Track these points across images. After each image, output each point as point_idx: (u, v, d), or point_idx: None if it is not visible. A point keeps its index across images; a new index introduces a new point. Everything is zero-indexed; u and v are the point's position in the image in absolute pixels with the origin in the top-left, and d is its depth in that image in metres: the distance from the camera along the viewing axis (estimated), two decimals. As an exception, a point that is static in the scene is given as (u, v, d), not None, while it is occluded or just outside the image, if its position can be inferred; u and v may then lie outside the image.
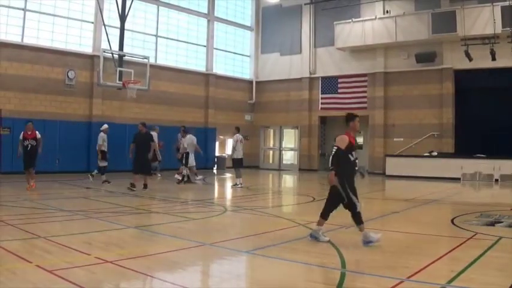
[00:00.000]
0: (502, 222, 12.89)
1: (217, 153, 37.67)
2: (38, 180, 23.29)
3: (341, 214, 15.91)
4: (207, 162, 35.58)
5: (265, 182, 28.47)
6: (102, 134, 23.72)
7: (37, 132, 19.86)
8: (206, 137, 35.67)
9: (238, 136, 23.85)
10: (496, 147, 29.61)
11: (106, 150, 23.78)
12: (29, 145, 19.61)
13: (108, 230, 11.23)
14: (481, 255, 8.83)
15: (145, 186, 20.40)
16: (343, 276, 7.49)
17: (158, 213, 14.77)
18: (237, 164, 23.97)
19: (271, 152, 41.37)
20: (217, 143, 37.91)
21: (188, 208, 15.90)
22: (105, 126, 24.33)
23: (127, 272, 7.56)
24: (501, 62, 28.76)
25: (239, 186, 23.02)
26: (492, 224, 12.66)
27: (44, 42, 27.95)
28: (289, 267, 8.28)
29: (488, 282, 7.20)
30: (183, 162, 24.94)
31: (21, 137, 19.65)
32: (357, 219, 10.07)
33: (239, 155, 23.90)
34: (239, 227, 12.73)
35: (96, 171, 24.49)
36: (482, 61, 29.38)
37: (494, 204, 18.25)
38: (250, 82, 41.21)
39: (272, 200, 19.28)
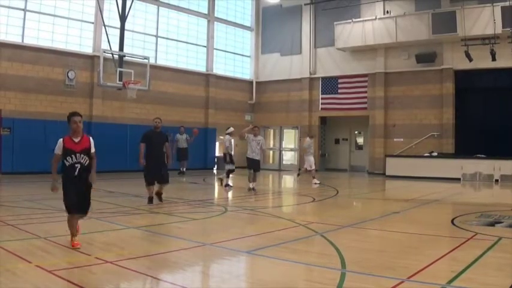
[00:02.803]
0: (502, 222, 12.88)
1: (217, 154, 37.68)
2: (37, 181, 23.29)
3: (339, 214, 15.94)
4: (207, 162, 35.61)
5: (265, 182, 28.45)
6: (228, 136, 23.69)
7: (91, 139, 9.77)
8: (206, 137, 35.71)
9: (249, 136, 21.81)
10: (497, 148, 29.61)
11: (232, 153, 23.63)
12: (78, 166, 9.44)
13: (108, 230, 11.24)
14: (481, 256, 8.83)
15: (160, 196, 16.67)
16: (343, 276, 7.49)
17: (158, 213, 14.74)
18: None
19: (271, 152, 41.35)
20: (217, 143, 37.92)
21: (188, 208, 15.87)
22: (232, 129, 24.40)
23: (127, 273, 7.56)
24: (501, 62, 28.81)
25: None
26: (492, 224, 12.65)
27: (44, 42, 27.97)
28: (289, 267, 8.27)
29: (488, 282, 7.19)
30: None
31: (59, 150, 9.38)
32: None
33: (251, 154, 21.72)
34: (239, 227, 12.72)
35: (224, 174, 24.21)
36: (482, 61, 29.43)
37: (495, 205, 18.26)
38: (251, 82, 41.26)
39: (272, 200, 19.28)
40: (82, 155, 9.41)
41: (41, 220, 12.40)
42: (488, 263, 8.44)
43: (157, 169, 16.33)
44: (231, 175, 23.71)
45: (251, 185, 21.40)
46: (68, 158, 9.33)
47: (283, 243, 10.05)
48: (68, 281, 6.89)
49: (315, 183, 25.59)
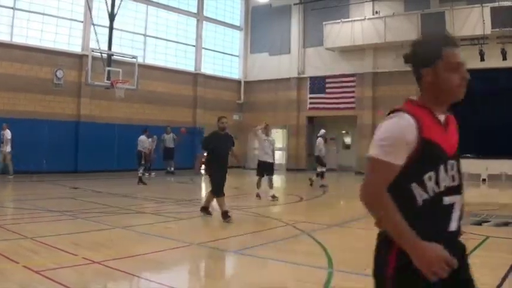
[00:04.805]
0: (489, 221, 12.95)
1: (205, 153, 37.58)
2: (25, 181, 23.23)
3: (326, 213, 15.96)
4: (193, 161, 35.41)
5: (252, 182, 28.49)
6: (320, 139, 23.50)
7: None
8: (194, 136, 35.57)
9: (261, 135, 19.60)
10: (485, 147, 29.68)
11: (323, 155, 23.61)
12: (456, 201, 3.24)
13: (95, 230, 11.20)
14: (468, 254, 8.84)
15: (207, 209, 14.05)
16: (330, 275, 7.52)
17: (145, 213, 14.74)
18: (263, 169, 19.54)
19: (256, 152, 41.19)
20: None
21: (176, 208, 15.86)
22: (323, 131, 24.46)
23: (114, 273, 7.56)
24: (490, 63, 28.90)
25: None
26: (480, 223, 12.72)
27: (33, 41, 27.78)
28: (277, 266, 8.30)
29: (476, 281, 7.21)
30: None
31: (403, 149, 2.94)
32: None
33: (264, 157, 19.55)
34: (227, 226, 12.69)
35: (315, 176, 23.96)
36: (471, 62, 29.06)
37: (482, 204, 18.30)
38: (239, 82, 41.22)
39: (259, 199, 19.17)
40: (457, 166, 3.46)
41: (28, 220, 12.36)
42: (476, 262, 8.44)
43: (222, 182, 13.88)
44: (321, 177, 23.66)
45: (271, 193, 18.73)
46: (428, 178, 3.02)
47: (270, 243, 10.07)
48: (55, 281, 6.86)
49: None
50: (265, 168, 19.26)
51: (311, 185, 23.24)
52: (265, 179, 19.00)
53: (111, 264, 7.88)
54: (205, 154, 14.12)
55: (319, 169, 23.43)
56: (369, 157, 3.02)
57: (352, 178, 31.53)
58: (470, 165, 28.81)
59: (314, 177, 23.63)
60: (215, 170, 13.67)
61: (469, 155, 28.97)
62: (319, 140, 23.57)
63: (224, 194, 13.59)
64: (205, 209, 13.95)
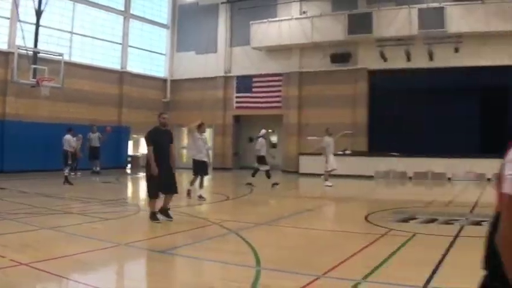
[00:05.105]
0: (416, 218, 13.20)
1: (130, 153, 37.29)
2: None
3: (253, 212, 16.02)
4: (119, 161, 35.07)
5: (178, 181, 28.40)
6: (261, 139, 23.39)
7: None
8: (120, 136, 35.19)
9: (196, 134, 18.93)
10: (410, 146, 30.16)
11: (264, 154, 23.73)
12: None
13: (22, 231, 10.99)
14: (396, 251, 9.03)
15: (167, 212, 13.15)
16: (258, 274, 7.55)
17: (72, 213, 14.53)
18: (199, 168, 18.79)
19: (184, 151, 41.01)
20: (130, 142, 37.52)
21: (102, 208, 15.67)
22: (264, 131, 24.46)
23: (42, 274, 7.42)
24: (416, 63, 29.66)
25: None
26: (406, 220, 12.96)
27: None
28: (204, 266, 8.33)
29: (404, 276, 7.35)
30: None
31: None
32: None
33: (198, 155, 18.70)
34: (153, 226, 12.57)
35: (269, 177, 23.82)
36: (397, 62, 30.23)
37: (408, 201, 18.67)
38: (165, 80, 41.00)
39: (185, 199, 19.04)
40: None
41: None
42: (404, 258, 8.66)
43: (169, 177, 13.23)
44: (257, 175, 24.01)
45: (199, 192, 18.31)
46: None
47: (198, 242, 10.10)
48: (-20, 283, 6.75)
49: (327, 185, 24.19)
50: (200, 168, 18.57)
51: (277, 184, 23.31)
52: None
53: (38, 266, 7.73)
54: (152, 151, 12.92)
55: (262, 168, 23.54)
56: (508, 196, 2.50)
57: (279, 176, 31.72)
58: (395, 163, 29.47)
59: (272, 180, 23.59)
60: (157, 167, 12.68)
61: (394, 154, 29.54)
62: (260, 140, 23.64)
63: (157, 196, 12.92)
64: (155, 214, 12.86)
